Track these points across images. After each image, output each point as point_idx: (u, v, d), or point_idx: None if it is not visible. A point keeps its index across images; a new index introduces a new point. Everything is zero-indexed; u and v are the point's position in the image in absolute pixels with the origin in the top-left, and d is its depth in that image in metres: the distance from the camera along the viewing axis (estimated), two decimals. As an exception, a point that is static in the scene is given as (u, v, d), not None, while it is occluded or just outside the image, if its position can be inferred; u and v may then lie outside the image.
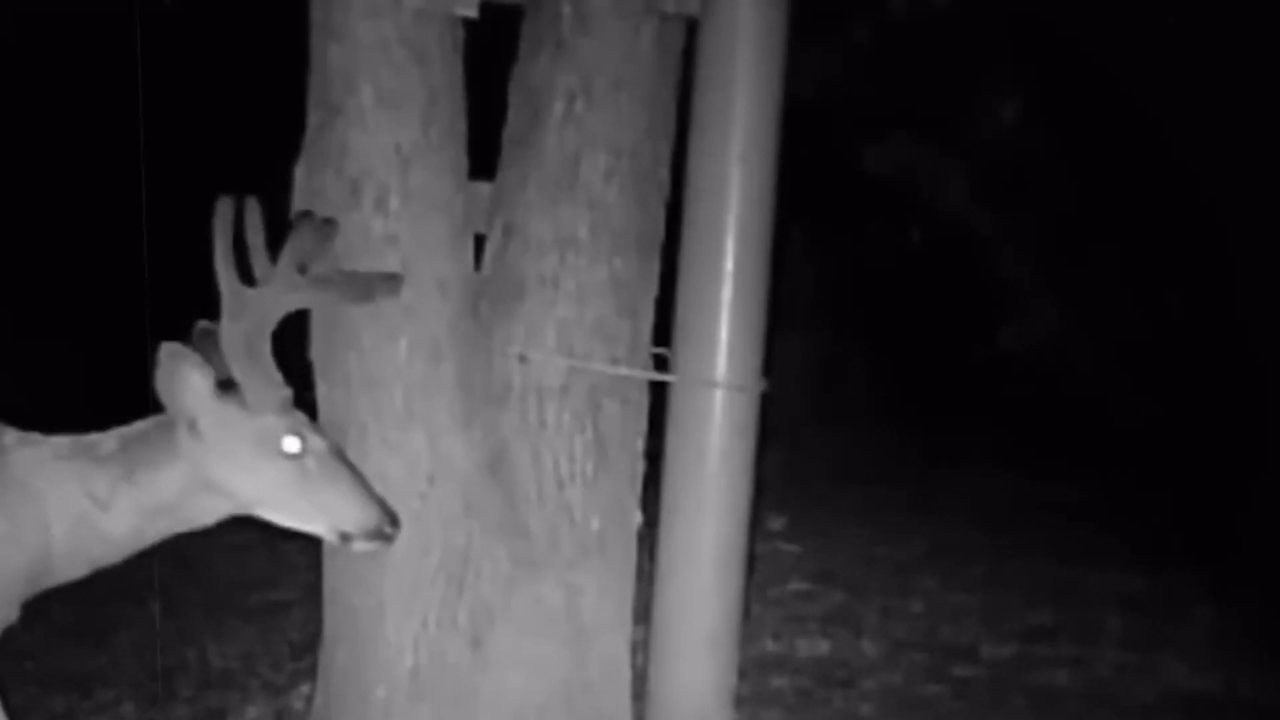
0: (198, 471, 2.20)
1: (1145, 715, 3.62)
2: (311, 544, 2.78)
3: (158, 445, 2.21)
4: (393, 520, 2.27)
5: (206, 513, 2.26)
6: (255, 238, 2.20)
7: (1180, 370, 7.06)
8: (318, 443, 2.24)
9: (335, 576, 2.74)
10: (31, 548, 2.19)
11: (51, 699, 3.50)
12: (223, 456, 2.19)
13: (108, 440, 2.24)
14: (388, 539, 2.28)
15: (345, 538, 2.26)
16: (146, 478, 2.20)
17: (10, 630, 2.24)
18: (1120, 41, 5.85)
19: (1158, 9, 5.60)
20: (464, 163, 2.69)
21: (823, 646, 4.07)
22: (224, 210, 2.13)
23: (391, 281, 2.46)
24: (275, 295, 2.21)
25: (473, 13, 2.63)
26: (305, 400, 2.66)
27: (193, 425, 2.18)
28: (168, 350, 2.16)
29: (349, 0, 2.54)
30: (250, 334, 2.18)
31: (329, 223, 2.39)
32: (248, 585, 4.60)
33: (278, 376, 2.23)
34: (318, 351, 2.67)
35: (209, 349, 2.19)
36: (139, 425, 2.26)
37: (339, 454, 2.26)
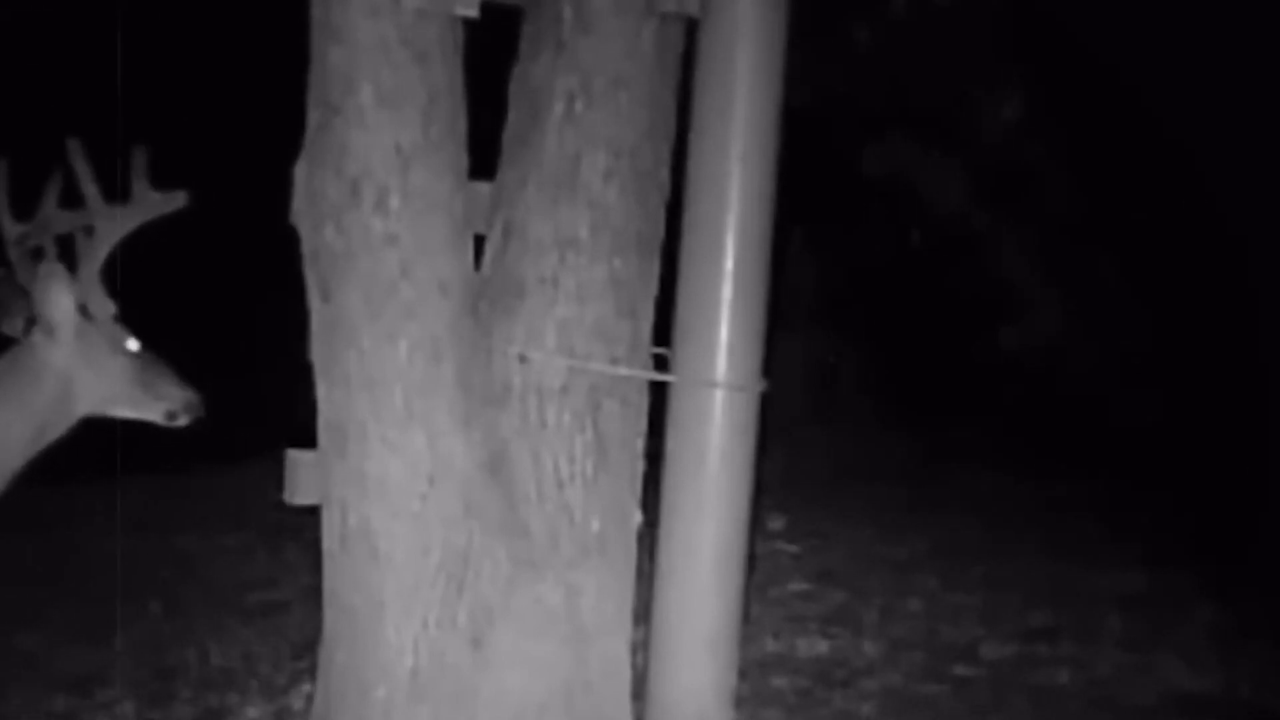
0: (62, 379, 2.56)
1: (1145, 715, 3.61)
2: (311, 544, 2.80)
3: (24, 374, 2.55)
4: (202, 397, 2.72)
5: (67, 420, 2.60)
6: (85, 172, 2.57)
7: (1181, 370, 7.06)
8: (138, 343, 2.64)
9: (335, 577, 2.74)
10: None
11: (51, 699, 3.49)
12: (82, 359, 2.57)
13: None
14: (202, 412, 2.71)
15: (172, 416, 2.68)
16: (29, 402, 2.54)
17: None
18: (1122, 40, 5.85)
19: (1159, 7, 5.60)
20: (464, 163, 2.69)
21: (823, 646, 4.06)
22: (76, 147, 2.54)
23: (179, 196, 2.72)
24: (139, 208, 2.60)
25: (473, 13, 2.63)
26: (307, 400, 2.68)
27: (53, 334, 2.53)
28: (47, 269, 2.54)
29: (349, 0, 2.54)
30: (110, 248, 2.57)
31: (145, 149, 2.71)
32: (248, 585, 4.59)
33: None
34: (318, 351, 2.67)
35: (5, 291, 2.59)
36: None
37: (153, 352, 2.67)
